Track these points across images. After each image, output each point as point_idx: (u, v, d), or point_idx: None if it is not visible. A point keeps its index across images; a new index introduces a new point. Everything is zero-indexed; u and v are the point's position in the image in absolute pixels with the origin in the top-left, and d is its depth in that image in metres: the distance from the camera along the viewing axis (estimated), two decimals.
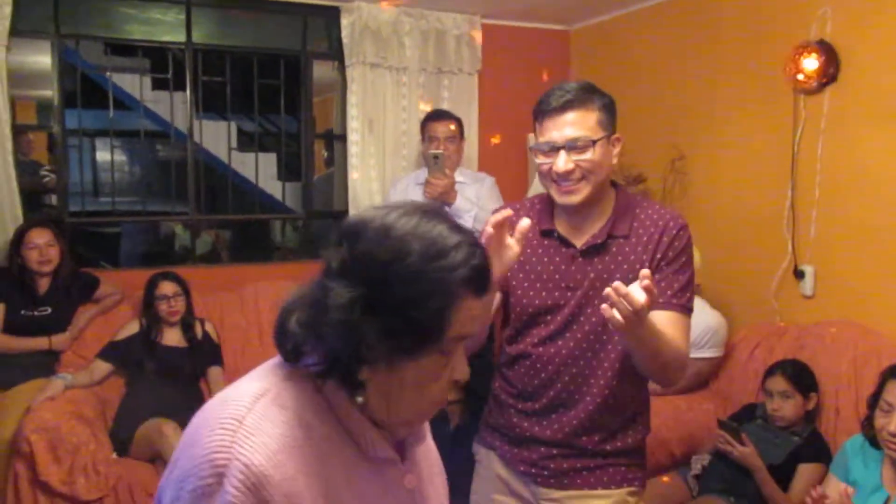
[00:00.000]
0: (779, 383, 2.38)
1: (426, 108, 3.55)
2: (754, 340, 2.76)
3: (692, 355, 2.75)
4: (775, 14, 2.86)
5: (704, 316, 2.77)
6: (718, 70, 3.14)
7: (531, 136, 3.73)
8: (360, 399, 0.86)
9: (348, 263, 0.82)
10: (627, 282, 1.24)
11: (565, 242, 1.51)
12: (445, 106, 3.60)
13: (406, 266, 0.80)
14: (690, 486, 2.41)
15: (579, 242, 1.50)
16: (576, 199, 1.45)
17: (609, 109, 1.48)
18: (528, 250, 1.53)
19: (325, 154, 5.33)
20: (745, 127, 3.02)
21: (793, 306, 2.83)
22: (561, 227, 1.52)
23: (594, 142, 1.43)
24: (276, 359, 0.91)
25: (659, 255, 1.47)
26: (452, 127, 3.15)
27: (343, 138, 3.71)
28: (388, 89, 3.62)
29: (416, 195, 3.05)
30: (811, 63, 2.65)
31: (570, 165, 1.42)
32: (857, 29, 2.55)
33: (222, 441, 0.79)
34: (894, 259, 2.46)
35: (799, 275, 2.80)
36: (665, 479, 2.47)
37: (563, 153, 1.43)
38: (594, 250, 1.49)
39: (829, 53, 2.61)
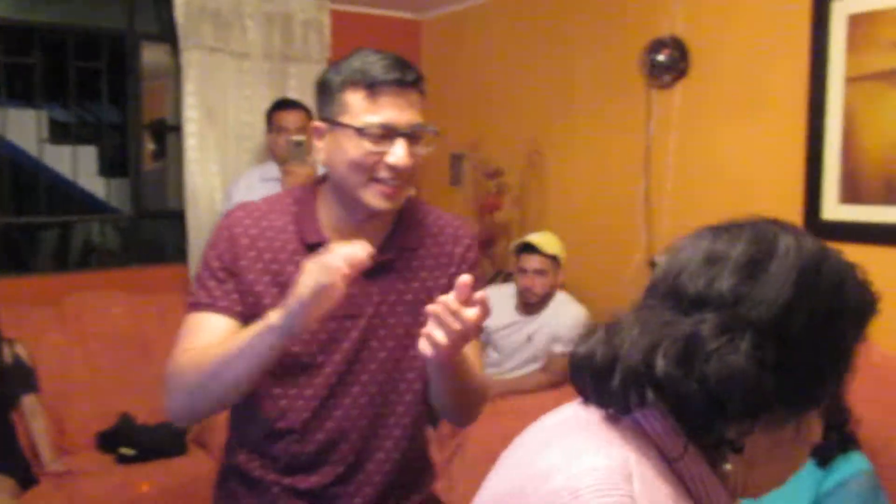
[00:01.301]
0: None
1: (271, 97, 3.30)
2: None
3: (564, 350, 2.74)
4: (628, 9, 2.90)
5: (574, 310, 2.77)
6: (573, 64, 3.15)
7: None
8: (727, 467, 0.67)
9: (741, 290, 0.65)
10: (421, 304, 1.06)
11: None
12: (292, 96, 3.36)
13: (838, 297, 0.67)
14: None
15: None
16: (396, 203, 1.16)
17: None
18: (283, 268, 1.16)
19: (153, 147, 4.87)
20: (599, 121, 3.06)
21: None
22: (336, 239, 1.13)
23: (436, 133, 1.17)
24: (595, 413, 0.70)
25: (454, 270, 1.23)
26: (302, 117, 2.93)
27: (178, 129, 3.35)
28: (229, 77, 3.33)
29: (264, 192, 2.81)
30: (663, 58, 2.71)
31: (411, 159, 1.13)
32: (707, 25, 2.63)
33: None
34: None
35: (653, 265, 2.87)
36: None
37: (402, 142, 1.12)
38: (381, 267, 1.17)
39: (680, 49, 2.68)
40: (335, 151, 1.15)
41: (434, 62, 3.89)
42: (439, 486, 2.49)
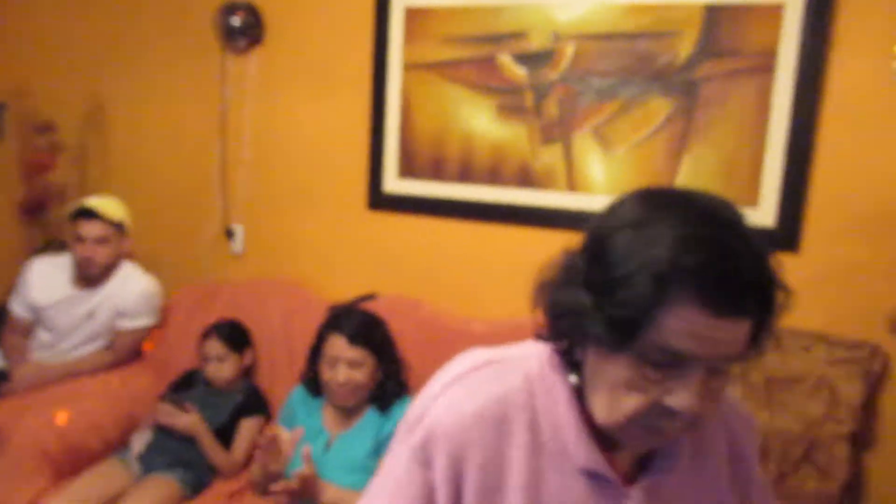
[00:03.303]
0: (214, 347, 2.35)
1: None
2: (190, 303, 2.68)
3: (131, 325, 2.52)
4: None
5: (142, 282, 2.56)
6: (144, 19, 2.89)
7: None
8: (572, 378, 0.84)
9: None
10: None
11: None
12: None
13: (621, 240, 0.74)
14: (133, 468, 2.20)
15: None
16: None
17: None
18: None
19: None
20: (173, 84, 2.86)
21: (226, 265, 2.85)
22: None
23: None
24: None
25: None
26: None
27: None
28: None
29: None
30: (236, 22, 2.65)
31: None
32: None
33: (431, 392, 0.89)
34: (319, 218, 2.68)
35: (230, 234, 2.83)
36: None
37: None
38: None
39: (254, 14, 2.65)
40: None
41: None
42: None
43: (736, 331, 0.73)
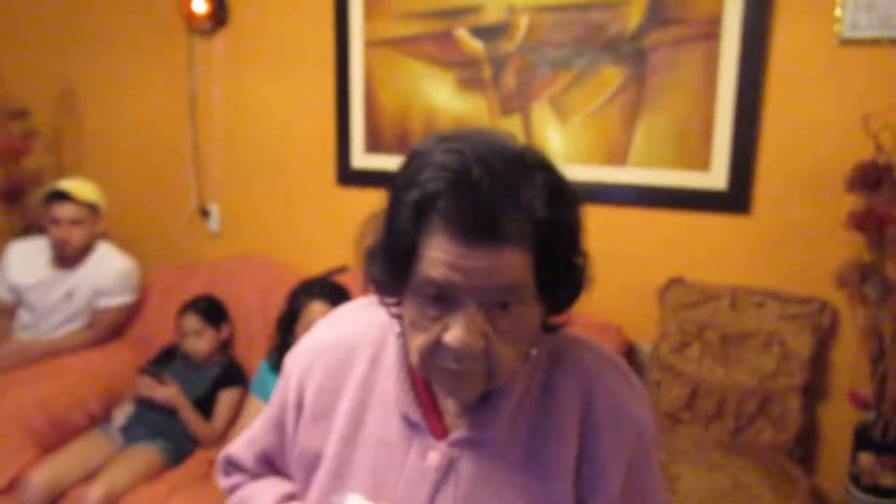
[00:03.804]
0: (191, 322, 2.43)
1: None
2: (167, 281, 2.76)
3: (110, 304, 2.60)
4: None
5: (119, 262, 2.63)
6: (108, 3, 2.92)
7: None
8: (396, 327, 0.87)
9: None
10: None
11: None
12: None
13: (395, 180, 0.78)
14: (115, 440, 2.29)
15: None
16: None
17: None
18: None
19: None
20: (142, 66, 2.92)
21: (202, 244, 2.92)
22: None
23: None
24: None
25: None
26: None
27: None
28: None
29: None
30: (201, 6, 2.69)
31: None
32: None
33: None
34: (291, 194, 2.75)
35: (205, 213, 2.89)
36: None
37: None
38: None
39: None
40: None
41: None
42: None
43: (494, 260, 0.72)
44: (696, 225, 2.21)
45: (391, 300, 0.84)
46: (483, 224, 0.71)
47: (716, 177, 2.17)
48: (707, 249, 2.20)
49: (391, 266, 0.79)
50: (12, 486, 2.14)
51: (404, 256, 0.76)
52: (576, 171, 2.31)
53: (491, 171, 0.72)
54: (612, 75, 2.22)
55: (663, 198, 2.23)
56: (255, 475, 1.02)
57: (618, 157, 2.26)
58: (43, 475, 2.10)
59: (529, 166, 0.75)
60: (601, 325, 2.21)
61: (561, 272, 0.78)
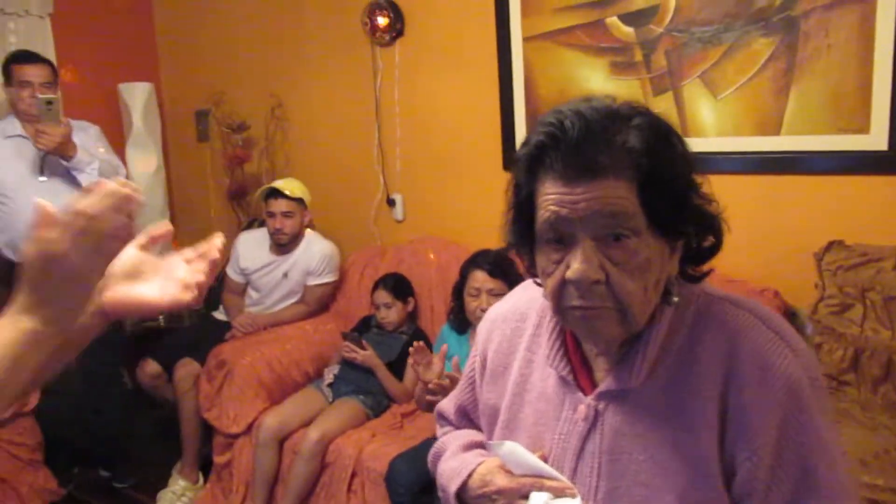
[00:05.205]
0: (382, 296, 2.82)
1: None
2: (362, 262, 3.18)
3: (317, 282, 3.06)
4: None
5: (323, 246, 3.09)
6: (305, 24, 3.40)
7: (122, 85, 3.58)
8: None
9: None
10: None
11: None
12: (13, 50, 3.21)
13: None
14: (325, 394, 2.73)
15: None
16: None
17: None
18: None
19: None
20: (333, 77, 3.36)
21: (389, 229, 3.32)
22: None
23: None
24: None
25: None
26: (48, 72, 2.84)
27: None
28: None
29: (10, 150, 2.77)
30: (382, 20, 3.07)
31: None
32: None
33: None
34: (463, 182, 3.06)
35: (391, 203, 3.29)
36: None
37: None
38: None
39: (395, 11, 3.05)
40: None
41: (171, 21, 3.91)
42: (211, 415, 2.73)
43: (595, 191, 0.78)
44: (855, 187, 2.21)
45: (527, 258, 0.92)
46: (579, 161, 0.79)
47: (876, 139, 2.16)
48: (867, 211, 2.19)
49: (519, 223, 0.89)
50: (250, 428, 2.65)
51: (526, 210, 0.86)
52: (730, 144, 2.42)
53: (584, 118, 0.80)
54: (763, 46, 2.28)
55: (820, 163, 2.25)
56: (457, 426, 1.17)
57: (772, 126, 2.31)
58: (273, 420, 2.58)
59: (624, 114, 0.82)
60: (759, 290, 2.28)
61: (672, 206, 0.81)
